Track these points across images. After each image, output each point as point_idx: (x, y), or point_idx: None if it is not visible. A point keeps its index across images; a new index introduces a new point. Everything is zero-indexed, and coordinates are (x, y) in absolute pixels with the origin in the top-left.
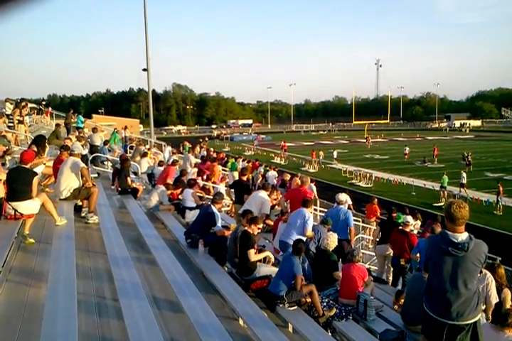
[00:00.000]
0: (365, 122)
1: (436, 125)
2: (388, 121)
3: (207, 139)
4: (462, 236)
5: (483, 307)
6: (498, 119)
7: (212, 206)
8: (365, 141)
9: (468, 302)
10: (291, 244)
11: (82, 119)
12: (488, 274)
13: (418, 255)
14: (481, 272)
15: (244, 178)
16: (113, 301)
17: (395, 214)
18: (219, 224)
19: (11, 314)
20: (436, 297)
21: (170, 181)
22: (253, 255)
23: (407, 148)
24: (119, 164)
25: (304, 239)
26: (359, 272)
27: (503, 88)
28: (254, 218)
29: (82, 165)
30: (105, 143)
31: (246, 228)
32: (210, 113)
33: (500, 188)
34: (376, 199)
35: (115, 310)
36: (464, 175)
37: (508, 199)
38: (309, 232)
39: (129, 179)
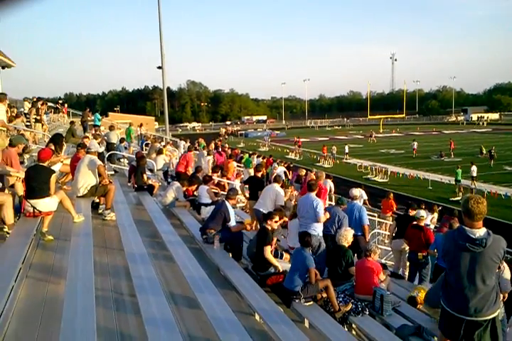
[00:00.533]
0: (380, 117)
1: (453, 119)
2: (404, 115)
3: (226, 137)
4: (480, 231)
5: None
6: None
7: (226, 202)
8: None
9: (486, 297)
10: (314, 233)
11: (99, 117)
12: (504, 264)
13: (435, 250)
14: (499, 268)
15: (259, 174)
16: (130, 297)
17: (414, 211)
18: (233, 220)
19: (31, 310)
20: (453, 293)
21: (191, 167)
22: (268, 252)
23: (416, 143)
24: (135, 161)
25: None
26: (373, 267)
27: None
28: (267, 214)
29: (99, 162)
30: (121, 140)
31: (264, 225)
32: (225, 109)
33: None
34: (392, 194)
35: (133, 305)
36: (474, 168)
37: None
38: (322, 218)
39: (145, 176)
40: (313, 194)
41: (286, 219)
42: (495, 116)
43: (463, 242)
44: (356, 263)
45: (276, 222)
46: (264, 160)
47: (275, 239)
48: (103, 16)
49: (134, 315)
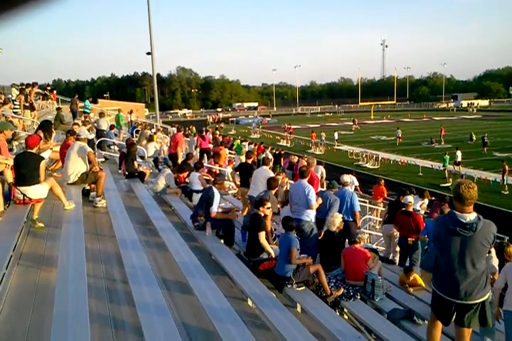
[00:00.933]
0: (371, 103)
1: (443, 105)
2: (395, 101)
3: (222, 125)
4: (470, 216)
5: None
6: (506, 99)
7: (213, 187)
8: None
9: (476, 281)
10: (307, 220)
11: (89, 104)
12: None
13: (427, 236)
14: (489, 252)
15: (250, 161)
16: (123, 284)
17: (405, 196)
18: (215, 205)
19: (23, 297)
20: (444, 276)
21: (181, 148)
22: (263, 237)
23: (400, 131)
24: (126, 148)
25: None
26: (360, 254)
27: (511, 67)
28: (259, 201)
29: (89, 149)
30: (111, 127)
31: (256, 211)
32: (215, 96)
33: (506, 167)
34: (383, 181)
35: (125, 292)
36: (459, 153)
37: None
38: (314, 205)
39: (135, 163)
40: (305, 181)
41: (278, 205)
42: (485, 102)
43: (453, 226)
44: (344, 251)
45: (268, 208)
46: (256, 147)
47: (270, 225)
48: (92, 1)
49: (126, 302)
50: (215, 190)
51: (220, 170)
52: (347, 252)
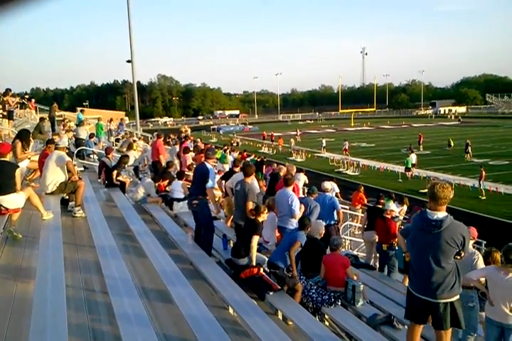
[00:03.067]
0: (351, 110)
1: (422, 112)
2: (374, 109)
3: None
4: (439, 214)
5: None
6: (483, 105)
7: (205, 163)
8: (294, 133)
9: (441, 280)
10: (291, 228)
11: (82, 117)
12: (477, 253)
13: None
14: (459, 254)
15: (237, 169)
16: (102, 294)
17: (383, 201)
18: (211, 181)
19: (0, 308)
20: (413, 273)
21: (163, 155)
22: (256, 241)
23: (347, 143)
24: (105, 157)
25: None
26: (341, 261)
27: (488, 74)
28: (256, 208)
29: (68, 159)
30: (91, 136)
31: (253, 218)
32: (197, 104)
33: (483, 173)
34: (362, 187)
35: (104, 302)
36: (413, 156)
37: (492, 184)
38: (298, 215)
39: (114, 173)
40: (288, 189)
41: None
42: (462, 109)
43: (421, 222)
44: (325, 257)
45: (266, 213)
46: (239, 155)
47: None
48: (70, 8)
49: (106, 312)
50: (208, 165)
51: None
52: (327, 259)
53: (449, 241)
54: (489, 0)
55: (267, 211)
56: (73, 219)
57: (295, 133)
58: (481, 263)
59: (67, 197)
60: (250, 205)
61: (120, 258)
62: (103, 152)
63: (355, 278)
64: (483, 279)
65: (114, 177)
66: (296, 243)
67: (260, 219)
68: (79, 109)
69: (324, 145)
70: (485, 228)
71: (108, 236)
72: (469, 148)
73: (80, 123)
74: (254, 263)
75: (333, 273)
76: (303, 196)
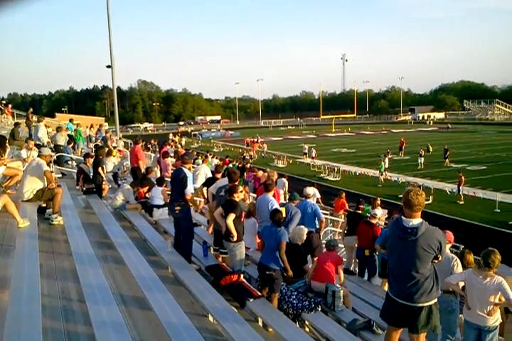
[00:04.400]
0: (332, 116)
1: (402, 118)
2: (355, 114)
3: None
4: (414, 221)
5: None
6: (461, 111)
7: (182, 168)
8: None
9: (419, 285)
10: None
11: (72, 127)
12: (455, 258)
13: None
14: (436, 258)
15: (219, 176)
16: (79, 302)
17: (362, 206)
18: (190, 186)
19: None
20: (392, 278)
21: (142, 161)
22: (231, 218)
23: (314, 151)
24: (83, 163)
25: None
26: (335, 259)
27: (465, 81)
28: (231, 188)
29: (46, 168)
30: (69, 142)
31: (230, 197)
32: (178, 110)
33: (462, 178)
34: (344, 194)
35: (81, 311)
36: (386, 160)
37: (470, 189)
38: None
39: (99, 169)
40: (269, 194)
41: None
42: (440, 115)
43: (397, 230)
44: (319, 256)
45: (241, 191)
46: (221, 162)
47: (243, 213)
48: (49, 12)
49: (82, 320)
50: (185, 170)
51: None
52: (322, 256)
53: (425, 248)
54: (465, 8)
55: (241, 189)
56: (50, 226)
57: (256, 139)
58: (459, 269)
59: (44, 204)
60: (231, 217)
61: (98, 266)
62: (81, 158)
63: (342, 278)
64: (462, 283)
65: (101, 171)
66: (282, 244)
67: (236, 199)
68: (69, 118)
69: (306, 151)
70: (463, 232)
71: (86, 243)
72: (448, 153)
73: (57, 129)
74: (234, 238)
75: (323, 268)
76: (284, 202)
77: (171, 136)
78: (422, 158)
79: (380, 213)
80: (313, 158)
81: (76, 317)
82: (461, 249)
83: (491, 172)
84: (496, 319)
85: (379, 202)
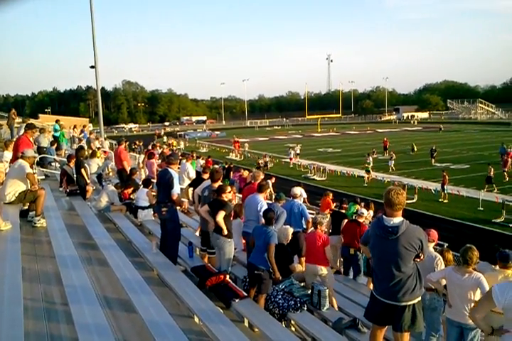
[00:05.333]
0: (318, 116)
1: (386, 118)
2: (340, 115)
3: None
4: (395, 220)
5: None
6: (444, 111)
7: (168, 169)
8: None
9: (402, 284)
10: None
11: (58, 128)
12: (438, 257)
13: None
14: (418, 257)
15: (206, 176)
16: (62, 304)
17: (346, 206)
18: (176, 187)
19: None
20: (375, 277)
21: (126, 161)
22: (221, 216)
23: (293, 152)
24: (67, 165)
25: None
26: (320, 238)
27: (449, 81)
28: (218, 188)
29: (28, 170)
30: (52, 143)
31: (218, 198)
32: (163, 110)
33: (446, 177)
34: (330, 193)
35: (64, 313)
36: (370, 159)
37: (454, 187)
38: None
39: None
40: (260, 195)
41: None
42: (424, 115)
43: (378, 229)
44: (306, 235)
45: (229, 192)
46: (204, 162)
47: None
48: (32, 11)
49: (65, 323)
50: (171, 171)
51: None
52: (309, 236)
53: (406, 246)
54: (448, 9)
55: (230, 189)
56: (33, 229)
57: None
58: (442, 268)
59: (26, 207)
60: (221, 214)
61: (81, 268)
62: (65, 160)
63: (330, 256)
64: (443, 281)
65: (84, 173)
66: (270, 246)
67: (225, 199)
68: (53, 119)
69: (298, 152)
70: (448, 231)
71: (69, 245)
72: (435, 153)
73: (56, 134)
74: (225, 232)
75: (313, 249)
76: (270, 202)
77: (165, 139)
78: (393, 161)
79: (367, 212)
80: (290, 159)
81: (59, 319)
82: (445, 247)
83: (474, 171)
84: None
85: (373, 205)
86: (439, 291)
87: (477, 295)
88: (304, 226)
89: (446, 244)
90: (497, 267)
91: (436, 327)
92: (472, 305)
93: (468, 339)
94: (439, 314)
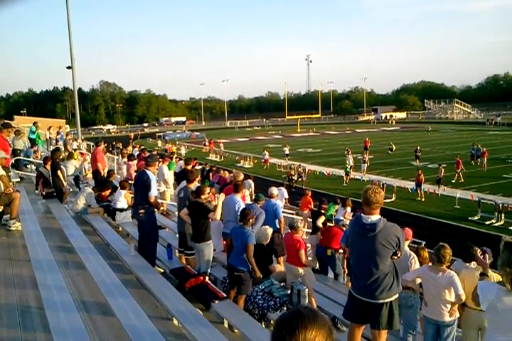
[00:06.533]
0: (297, 117)
1: (365, 118)
2: (320, 115)
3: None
4: (373, 217)
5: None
6: (422, 111)
7: (146, 170)
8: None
9: (379, 282)
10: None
11: (34, 129)
12: (412, 255)
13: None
14: (395, 254)
15: (189, 167)
16: (38, 309)
17: (325, 206)
18: (153, 189)
19: None
20: (353, 274)
21: (101, 163)
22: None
23: (267, 153)
24: (43, 167)
25: None
26: (296, 242)
27: (426, 81)
28: (197, 190)
29: (1, 172)
30: (32, 145)
31: (197, 199)
32: (141, 111)
33: (421, 176)
34: (310, 192)
35: (40, 318)
36: (350, 157)
37: (431, 186)
38: None
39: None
40: (237, 195)
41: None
42: (402, 115)
43: (357, 227)
44: (285, 235)
45: (208, 193)
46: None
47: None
48: (5, 12)
49: (41, 328)
50: (149, 173)
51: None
52: (287, 237)
53: (384, 243)
54: (424, 11)
55: (208, 190)
56: (8, 232)
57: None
58: (417, 266)
59: (0, 210)
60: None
61: (58, 272)
62: (41, 162)
63: (304, 261)
64: (418, 280)
65: (60, 175)
66: (249, 247)
67: (206, 200)
68: (29, 120)
69: (287, 152)
70: (425, 229)
71: (45, 249)
72: (419, 153)
73: (33, 135)
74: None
75: (290, 251)
76: (250, 202)
77: (161, 144)
78: (366, 165)
79: (343, 210)
80: (266, 160)
81: (35, 325)
82: (421, 245)
83: (450, 170)
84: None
85: (349, 201)
86: (415, 290)
87: (452, 293)
88: (278, 226)
89: (424, 242)
90: (472, 264)
91: (413, 325)
92: (447, 302)
93: (445, 336)
94: (415, 311)
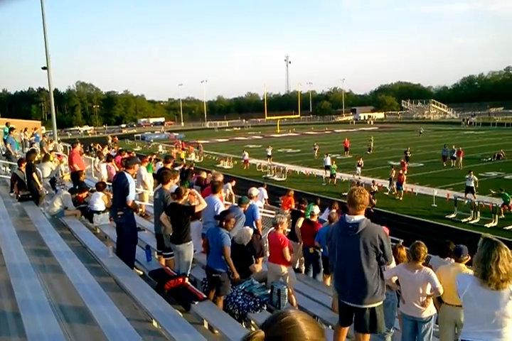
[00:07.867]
0: (277, 117)
1: (344, 118)
2: (299, 115)
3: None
4: (356, 217)
5: None
6: (399, 111)
7: (124, 173)
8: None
9: (364, 284)
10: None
11: (7, 130)
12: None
13: (319, 242)
14: (380, 256)
15: (169, 165)
16: (13, 315)
17: (304, 206)
18: (132, 193)
19: None
20: (335, 276)
21: (77, 164)
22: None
23: (247, 154)
24: (18, 169)
25: None
26: (279, 239)
27: (403, 82)
28: (176, 191)
29: None
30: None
31: (175, 202)
32: (119, 112)
33: (393, 174)
34: (292, 192)
35: (16, 324)
36: (328, 159)
37: (408, 185)
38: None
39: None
40: (215, 196)
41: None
42: (380, 115)
43: (339, 227)
44: (268, 234)
45: (187, 195)
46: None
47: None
48: None
49: (17, 334)
50: (128, 175)
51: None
52: (270, 236)
53: (367, 244)
54: (401, 12)
55: (188, 192)
56: None
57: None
58: (393, 265)
59: None
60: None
61: (34, 276)
62: (15, 164)
63: (288, 258)
64: (395, 278)
65: (35, 177)
66: (225, 249)
67: (182, 203)
68: (3, 122)
69: (270, 153)
70: (403, 227)
71: (21, 253)
72: (409, 154)
73: (5, 136)
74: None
75: (274, 249)
76: (234, 204)
77: (161, 148)
78: (360, 168)
79: (318, 211)
80: (245, 161)
81: (10, 331)
82: (399, 243)
83: (427, 169)
84: (429, 310)
85: (336, 204)
86: (393, 288)
87: (428, 290)
88: (255, 227)
89: (402, 240)
90: (447, 260)
91: (391, 322)
92: (424, 299)
93: (422, 332)
94: (392, 309)
